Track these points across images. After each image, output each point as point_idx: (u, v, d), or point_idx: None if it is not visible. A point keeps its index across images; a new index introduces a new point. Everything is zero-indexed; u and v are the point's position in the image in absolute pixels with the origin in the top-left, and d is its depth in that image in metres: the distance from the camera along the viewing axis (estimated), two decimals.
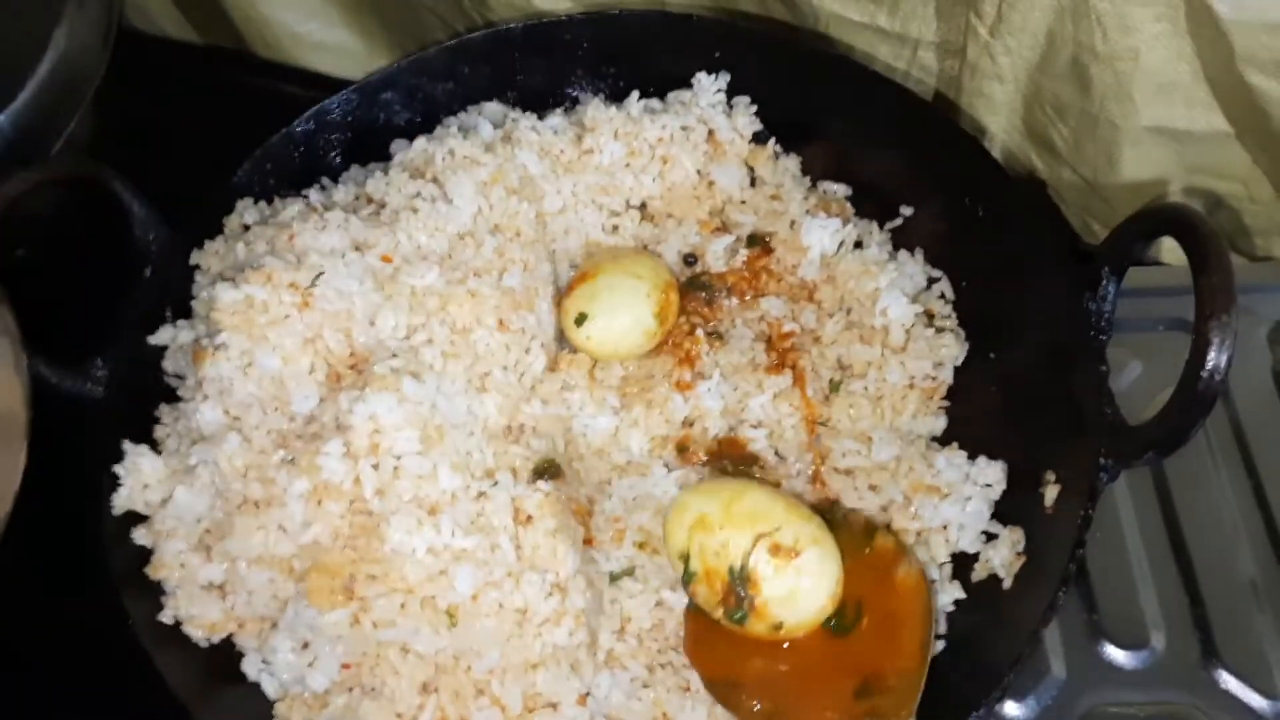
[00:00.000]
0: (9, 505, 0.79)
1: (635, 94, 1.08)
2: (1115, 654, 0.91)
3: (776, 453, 0.97)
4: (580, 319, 0.98)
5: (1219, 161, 1.05)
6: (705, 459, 0.96)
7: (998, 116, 1.11)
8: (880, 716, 0.79)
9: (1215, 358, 0.72)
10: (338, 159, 1.08)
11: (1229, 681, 0.90)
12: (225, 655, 0.85)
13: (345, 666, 0.80)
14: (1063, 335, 0.89)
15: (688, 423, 0.97)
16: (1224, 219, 1.10)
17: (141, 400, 0.93)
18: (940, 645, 0.86)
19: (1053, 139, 1.10)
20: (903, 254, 1.03)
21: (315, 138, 1.06)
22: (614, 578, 0.90)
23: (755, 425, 0.97)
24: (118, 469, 0.88)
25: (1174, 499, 0.99)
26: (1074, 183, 1.12)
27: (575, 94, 1.12)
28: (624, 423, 0.97)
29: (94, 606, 0.84)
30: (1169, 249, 1.13)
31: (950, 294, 1.01)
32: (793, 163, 1.09)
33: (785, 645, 0.84)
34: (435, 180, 0.99)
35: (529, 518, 0.85)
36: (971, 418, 0.95)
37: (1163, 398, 1.00)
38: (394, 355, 0.88)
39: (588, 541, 0.90)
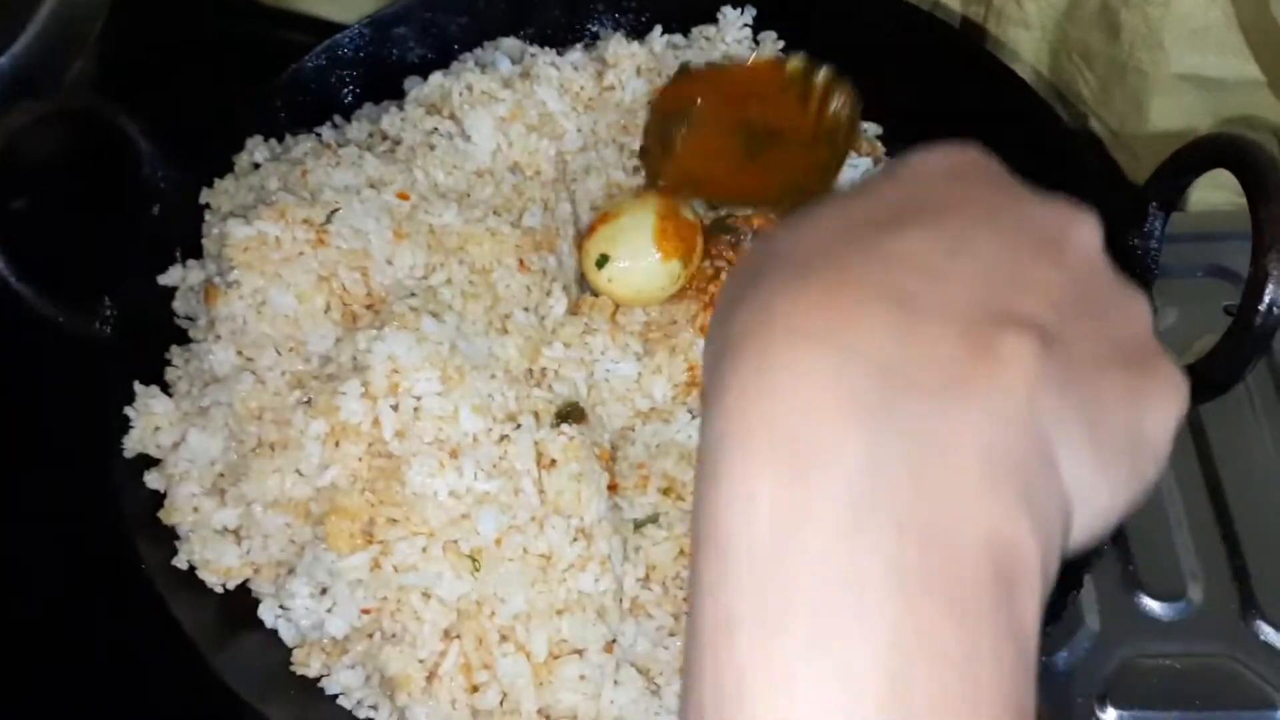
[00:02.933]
0: None
1: (658, 29, 1.04)
2: (1151, 605, 0.89)
3: None
4: (601, 261, 0.95)
5: (1250, 111, 1.02)
6: None
7: (1023, 65, 1.07)
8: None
9: (1274, 290, 0.69)
10: (350, 96, 1.04)
11: (1268, 633, 0.87)
12: (241, 601, 0.83)
13: (365, 612, 0.78)
14: None
15: None
16: None
17: (152, 342, 0.90)
18: None
19: (1079, 88, 1.06)
20: None
21: (326, 74, 1.02)
22: (638, 524, 0.87)
23: None
24: (128, 411, 0.85)
25: (1211, 448, 0.95)
26: (1099, 134, 1.09)
27: (595, 29, 1.08)
28: (647, 369, 0.94)
29: (106, 552, 0.81)
30: (1194, 199, 1.09)
31: None
32: None
33: None
34: (452, 116, 0.95)
35: (552, 462, 0.82)
36: None
37: (1201, 344, 0.97)
38: (412, 294, 0.86)
39: (612, 488, 0.88)
